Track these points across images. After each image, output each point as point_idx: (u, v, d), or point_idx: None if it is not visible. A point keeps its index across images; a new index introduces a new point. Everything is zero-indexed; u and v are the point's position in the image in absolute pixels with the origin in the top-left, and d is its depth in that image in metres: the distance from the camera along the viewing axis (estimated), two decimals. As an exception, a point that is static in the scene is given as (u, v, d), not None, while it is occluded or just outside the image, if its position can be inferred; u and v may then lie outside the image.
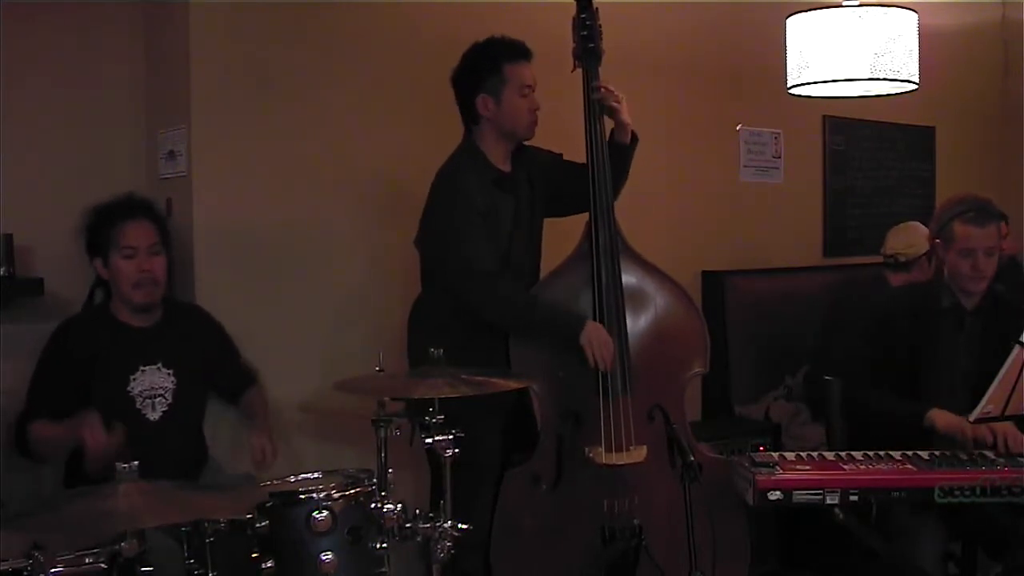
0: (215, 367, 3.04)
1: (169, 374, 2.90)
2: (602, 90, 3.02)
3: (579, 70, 3.06)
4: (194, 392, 2.96)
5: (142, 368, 2.87)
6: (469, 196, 2.94)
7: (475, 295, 2.94)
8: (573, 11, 3.05)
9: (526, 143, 3.14)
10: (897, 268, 4.03)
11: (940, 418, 2.91)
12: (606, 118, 3.07)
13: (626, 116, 3.07)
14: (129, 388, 2.84)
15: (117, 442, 2.58)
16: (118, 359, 2.85)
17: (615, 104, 3.04)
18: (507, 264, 3.01)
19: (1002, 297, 3.14)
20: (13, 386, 2.93)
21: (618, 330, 2.97)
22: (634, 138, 3.12)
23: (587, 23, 3.03)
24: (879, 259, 4.16)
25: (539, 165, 3.17)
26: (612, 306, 2.97)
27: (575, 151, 3.11)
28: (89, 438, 2.57)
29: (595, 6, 3.05)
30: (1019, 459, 2.77)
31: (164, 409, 2.88)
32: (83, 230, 2.89)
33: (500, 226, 3.01)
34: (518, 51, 3.02)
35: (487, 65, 3.01)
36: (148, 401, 2.86)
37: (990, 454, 2.81)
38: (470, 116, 3.07)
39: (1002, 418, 2.85)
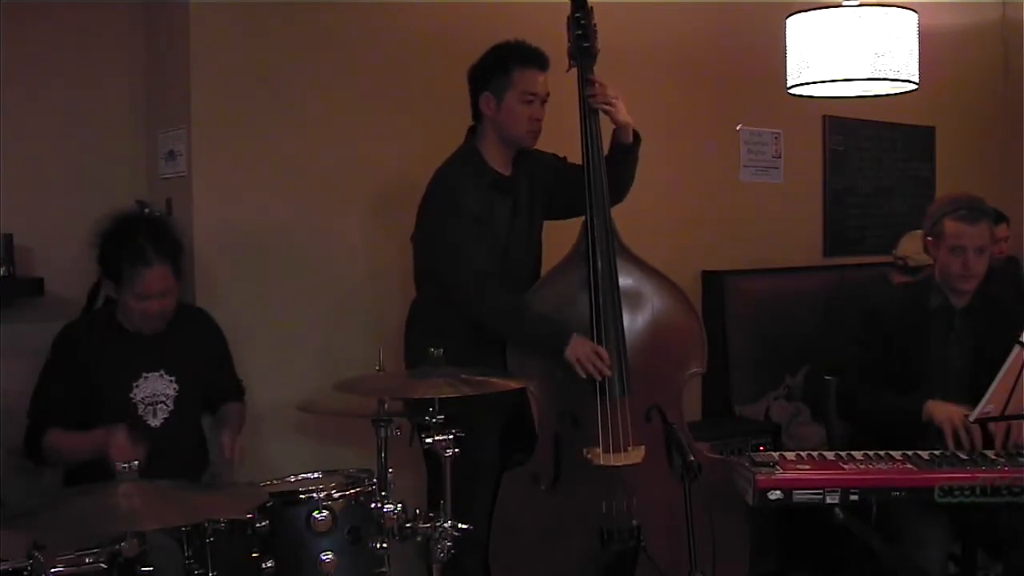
0: (212, 375, 3.02)
1: (171, 381, 2.87)
2: (596, 89, 2.99)
3: (574, 69, 3.05)
4: (194, 399, 2.94)
5: (145, 375, 2.84)
6: (462, 200, 2.93)
7: (465, 301, 2.94)
8: (568, 10, 3.04)
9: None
10: (905, 271, 4.03)
11: (937, 409, 2.92)
12: (605, 117, 3.05)
13: (623, 115, 3.03)
14: (132, 395, 2.82)
15: (143, 456, 2.58)
16: (121, 365, 2.83)
17: (609, 106, 3.00)
18: (505, 265, 3.00)
19: (993, 296, 3.14)
20: (13, 386, 2.93)
21: (615, 330, 2.96)
22: (636, 137, 3.09)
23: (581, 22, 3.02)
24: (879, 259, 4.16)
25: (541, 167, 3.16)
26: (609, 307, 2.95)
27: (572, 152, 3.10)
28: (116, 453, 2.54)
29: (590, 5, 3.04)
30: (1019, 459, 2.77)
31: (165, 416, 2.86)
32: (96, 243, 2.78)
33: (497, 228, 3.00)
34: (532, 57, 3.00)
35: (497, 64, 3.00)
36: (150, 408, 2.84)
37: (990, 454, 2.82)
38: (475, 113, 3.07)
39: (1002, 418, 2.85)
